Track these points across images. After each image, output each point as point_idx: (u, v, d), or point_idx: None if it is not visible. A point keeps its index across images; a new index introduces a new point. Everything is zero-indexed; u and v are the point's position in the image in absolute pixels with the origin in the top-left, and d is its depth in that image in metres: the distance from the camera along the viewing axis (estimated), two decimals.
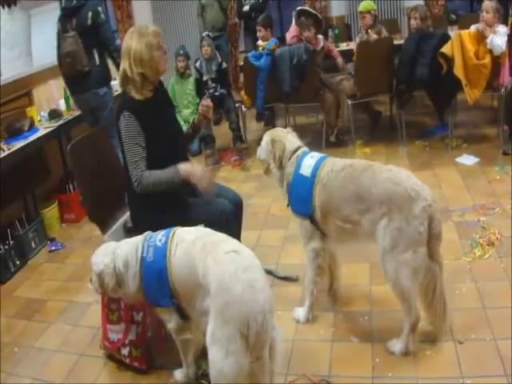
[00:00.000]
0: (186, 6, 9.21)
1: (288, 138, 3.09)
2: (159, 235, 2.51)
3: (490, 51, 5.02)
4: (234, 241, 2.42)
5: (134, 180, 2.87)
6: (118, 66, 4.30)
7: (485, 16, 5.19)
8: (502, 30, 5.06)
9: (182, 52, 6.42)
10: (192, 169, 2.91)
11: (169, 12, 9.61)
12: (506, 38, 5.01)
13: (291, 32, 6.34)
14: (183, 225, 2.60)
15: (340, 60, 6.25)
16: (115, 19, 9.64)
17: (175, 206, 3.01)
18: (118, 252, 2.56)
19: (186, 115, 6.41)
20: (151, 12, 9.61)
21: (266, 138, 3.11)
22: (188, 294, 2.38)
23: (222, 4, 7.79)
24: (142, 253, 2.50)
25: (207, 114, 3.25)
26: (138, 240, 2.57)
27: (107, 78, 5.03)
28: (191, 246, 2.37)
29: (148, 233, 2.61)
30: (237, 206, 3.21)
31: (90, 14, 4.87)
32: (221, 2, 7.76)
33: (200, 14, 7.85)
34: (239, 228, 3.27)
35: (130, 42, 2.87)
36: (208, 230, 2.58)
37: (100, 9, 5.05)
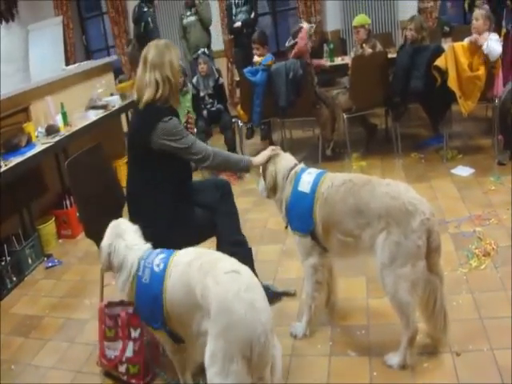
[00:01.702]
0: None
1: (283, 157, 3.11)
2: (157, 259, 2.50)
3: (485, 62, 5.06)
4: (231, 259, 2.40)
5: (205, 156, 3.04)
6: None
7: (475, 24, 5.26)
8: (495, 37, 5.12)
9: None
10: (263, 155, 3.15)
11: (162, 28, 9.62)
12: (500, 44, 5.07)
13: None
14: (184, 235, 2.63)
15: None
16: (112, 35, 9.71)
17: (175, 220, 3.07)
18: (117, 246, 2.59)
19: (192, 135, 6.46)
20: None
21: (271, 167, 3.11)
22: (183, 317, 2.37)
23: (204, 23, 7.79)
24: (138, 270, 2.50)
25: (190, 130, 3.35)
26: (136, 252, 2.56)
27: None
28: (187, 267, 2.36)
29: (146, 249, 2.60)
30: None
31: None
32: (203, 21, 7.76)
33: (183, 36, 7.88)
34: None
35: (169, 54, 3.03)
36: (204, 250, 2.59)
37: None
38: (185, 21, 7.78)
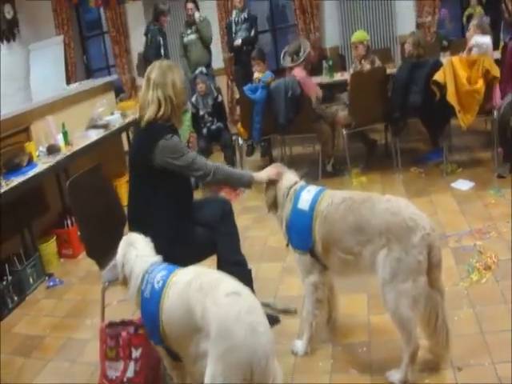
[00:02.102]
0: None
1: (285, 175, 3.12)
2: (158, 275, 2.50)
3: (483, 75, 5.08)
4: (232, 280, 2.38)
5: (206, 172, 3.07)
6: None
7: (467, 34, 5.40)
8: (479, 36, 5.24)
9: None
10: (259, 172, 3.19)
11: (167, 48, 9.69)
12: (488, 41, 5.22)
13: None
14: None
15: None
16: (113, 54, 9.77)
17: (176, 238, 3.09)
18: (128, 257, 2.62)
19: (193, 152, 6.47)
20: None
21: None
22: (181, 337, 2.37)
23: (204, 41, 7.83)
24: (142, 284, 2.52)
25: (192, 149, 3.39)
26: (143, 264, 2.59)
27: None
28: (186, 287, 2.35)
29: (153, 262, 2.61)
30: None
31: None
32: (203, 39, 7.80)
33: (183, 54, 7.92)
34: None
35: (172, 74, 3.08)
36: (204, 269, 2.59)
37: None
38: (185, 39, 7.83)
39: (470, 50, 5.28)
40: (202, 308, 2.22)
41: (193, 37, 7.78)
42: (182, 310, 2.33)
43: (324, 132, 5.95)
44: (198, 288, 2.30)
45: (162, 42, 7.60)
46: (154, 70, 3.11)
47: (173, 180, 3.09)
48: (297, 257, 3.01)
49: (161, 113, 3.03)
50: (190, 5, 7.69)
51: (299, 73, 5.91)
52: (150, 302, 2.46)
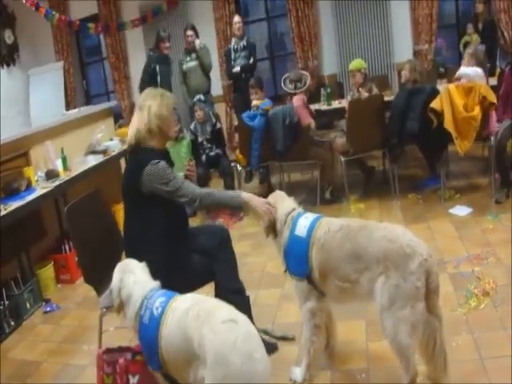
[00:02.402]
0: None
1: (283, 201, 3.13)
2: (157, 301, 2.50)
3: (480, 102, 5.12)
4: (229, 307, 2.38)
5: (192, 198, 3.05)
6: None
7: (462, 63, 5.43)
8: (466, 69, 5.31)
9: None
10: (253, 196, 3.16)
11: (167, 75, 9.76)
12: (471, 72, 5.27)
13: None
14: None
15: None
16: (112, 80, 9.85)
17: (172, 265, 3.07)
18: (125, 282, 2.61)
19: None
20: None
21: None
22: (179, 365, 2.36)
23: (204, 68, 7.89)
24: (140, 310, 2.51)
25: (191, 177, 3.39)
26: (142, 290, 2.59)
27: None
28: (184, 315, 2.35)
29: (152, 288, 2.61)
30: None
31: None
32: (203, 66, 7.86)
33: (183, 81, 7.97)
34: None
35: (151, 100, 3.12)
36: (202, 296, 2.58)
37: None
38: (184, 66, 7.89)
39: (458, 79, 5.34)
40: (198, 335, 2.22)
41: (192, 64, 7.84)
42: (180, 337, 2.32)
43: (325, 158, 5.98)
44: (196, 315, 2.30)
45: (158, 69, 7.67)
46: (141, 96, 3.22)
47: (165, 206, 3.09)
48: (294, 283, 3.01)
49: (138, 137, 3.09)
50: (190, 32, 7.77)
51: (297, 101, 5.96)
52: (149, 328, 2.45)
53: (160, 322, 2.41)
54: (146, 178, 3.01)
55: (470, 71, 5.23)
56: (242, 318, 2.28)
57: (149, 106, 3.09)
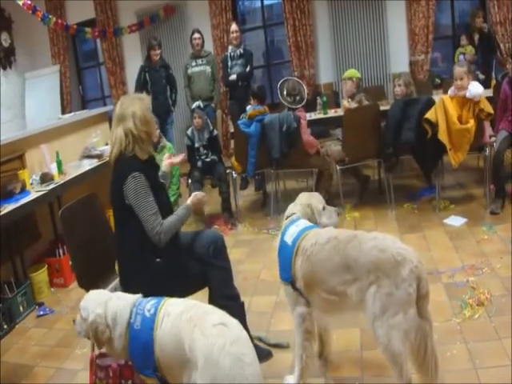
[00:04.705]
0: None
1: (295, 204, 3.22)
2: (148, 304, 2.50)
3: (474, 115, 5.13)
4: (220, 312, 2.38)
5: (156, 232, 2.97)
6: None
7: (459, 83, 5.25)
8: (473, 83, 5.22)
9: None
10: (193, 197, 3.25)
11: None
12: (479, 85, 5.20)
13: None
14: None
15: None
16: (108, 85, 9.85)
17: (164, 271, 3.06)
18: (109, 304, 2.55)
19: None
20: None
21: None
22: (174, 368, 2.35)
23: (214, 74, 7.94)
24: (130, 318, 2.49)
25: (200, 206, 3.39)
26: (128, 300, 2.57)
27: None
28: (178, 319, 2.35)
29: (138, 297, 2.60)
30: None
31: None
32: (213, 70, 7.92)
33: (187, 85, 7.97)
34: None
35: (133, 106, 3.06)
36: (194, 302, 2.57)
37: None
38: (189, 71, 7.88)
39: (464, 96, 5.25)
40: (190, 339, 2.22)
41: (197, 69, 7.85)
42: (173, 342, 2.32)
43: (322, 167, 5.97)
44: (189, 319, 2.30)
45: (148, 77, 7.78)
46: (118, 104, 3.14)
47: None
48: (284, 288, 3.03)
49: (123, 148, 3.04)
50: (197, 35, 7.82)
51: (303, 121, 5.94)
52: (143, 332, 2.44)
53: (154, 324, 2.40)
54: (126, 191, 2.98)
55: (480, 90, 5.17)
56: (233, 322, 2.29)
57: (133, 113, 3.05)
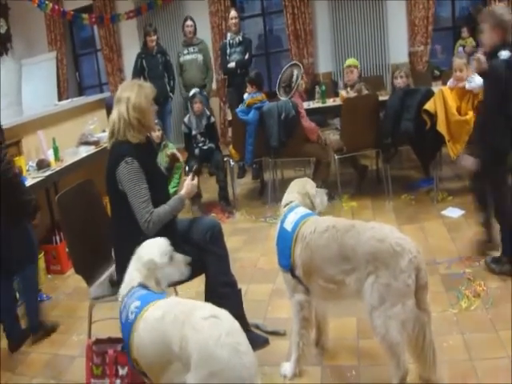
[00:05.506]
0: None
1: (292, 190, 3.22)
2: (132, 305, 2.43)
3: (474, 106, 5.11)
4: (208, 305, 2.36)
5: (145, 220, 2.98)
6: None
7: (458, 75, 5.23)
8: (473, 75, 5.17)
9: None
10: (186, 186, 3.23)
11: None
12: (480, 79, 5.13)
13: None
14: None
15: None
16: (106, 72, 9.81)
17: None
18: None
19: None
20: None
21: None
22: (154, 368, 2.33)
23: (206, 62, 7.91)
24: (120, 309, 2.50)
25: (192, 192, 3.33)
26: (128, 284, 2.57)
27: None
28: (159, 322, 2.28)
29: (136, 287, 2.56)
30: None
31: None
32: (205, 58, 7.89)
33: (179, 73, 7.95)
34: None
35: (130, 91, 3.07)
36: (176, 299, 2.55)
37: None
38: (181, 59, 7.85)
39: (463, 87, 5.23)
40: (179, 338, 2.17)
41: (189, 57, 7.81)
42: (155, 344, 2.28)
43: (320, 155, 5.96)
44: (173, 320, 2.24)
45: (144, 63, 7.79)
46: (118, 89, 3.18)
47: (151, 197, 3.04)
48: (283, 275, 3.04)
49: (115, 130, 3.06)
50: (190, 22, 7.78)
51: (301, 110, 5.93)
52: (124, 329, 2.45)
53: (131, 329, 2.38)
54: (119, 176, 2.99)
55: (479, 83, 5.13)
56: (223, 313, 2.25)
57: (127, 98, 3.05)
